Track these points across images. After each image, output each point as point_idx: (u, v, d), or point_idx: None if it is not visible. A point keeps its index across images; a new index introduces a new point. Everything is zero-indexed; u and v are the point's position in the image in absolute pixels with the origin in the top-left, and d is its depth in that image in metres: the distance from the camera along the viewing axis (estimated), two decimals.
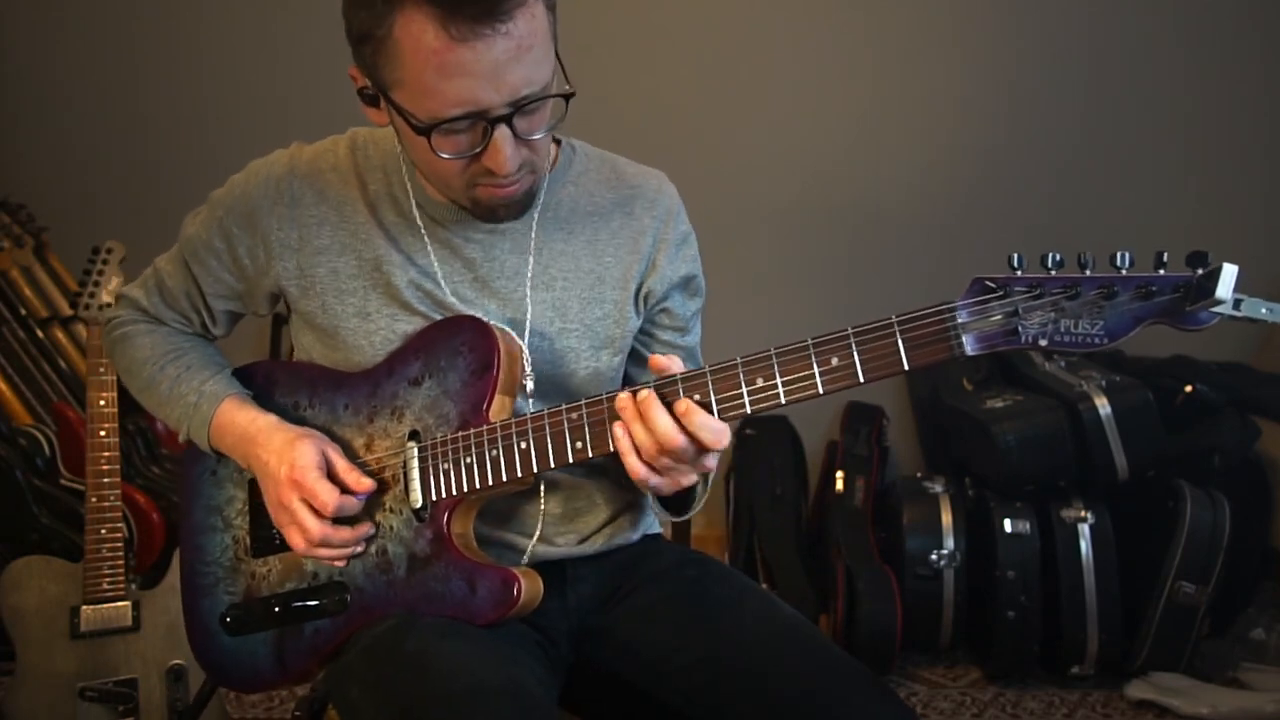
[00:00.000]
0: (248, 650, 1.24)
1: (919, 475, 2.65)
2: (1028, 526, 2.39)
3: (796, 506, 2.81)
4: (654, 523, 1.37)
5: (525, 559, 1.24)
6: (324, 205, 1.23)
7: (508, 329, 1.20)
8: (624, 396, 1.04)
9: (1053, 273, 0.91)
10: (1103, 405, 2.38)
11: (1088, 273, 0.90)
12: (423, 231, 1.22)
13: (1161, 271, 0.89)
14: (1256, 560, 2.54)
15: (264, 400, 1.27)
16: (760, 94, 3.06)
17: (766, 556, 2.68)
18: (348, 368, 1.23)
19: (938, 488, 2.56)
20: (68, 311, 2.76)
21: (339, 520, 1.16)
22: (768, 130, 3.07)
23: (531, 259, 1.24)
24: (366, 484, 1.15)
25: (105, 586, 1.87)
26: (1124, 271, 0.89)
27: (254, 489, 1.26)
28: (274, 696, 2.30)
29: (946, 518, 2.50)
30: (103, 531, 1.88)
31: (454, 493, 1.13)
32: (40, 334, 2.78)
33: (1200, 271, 0.87)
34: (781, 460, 2.86)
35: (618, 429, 1.04)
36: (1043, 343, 0.91)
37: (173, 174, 3.02)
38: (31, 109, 3.14)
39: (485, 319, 1.17)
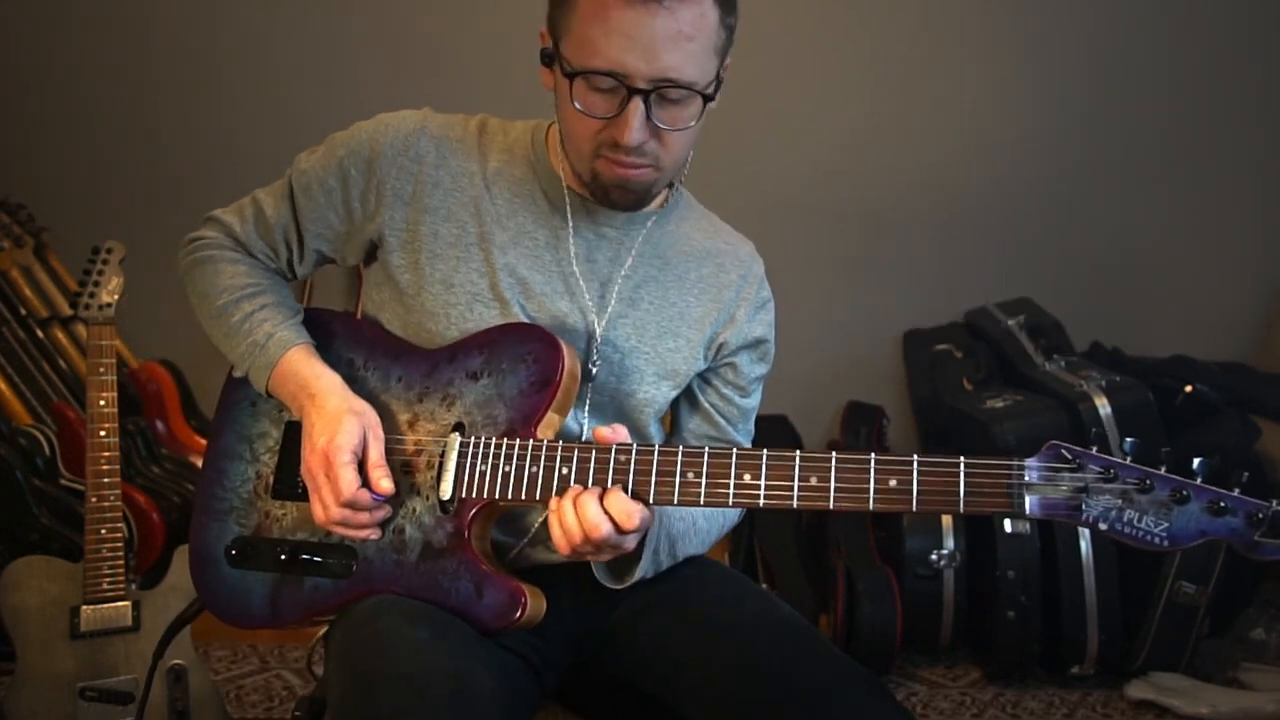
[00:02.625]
0: (244, 586, 1.23)
1: None
2: (1028, 526, 2.39)
3: None
4: None
5: (512, 555, 1.24)
6: (443, 170, 1.25)
7: (573, 345, 1.20)
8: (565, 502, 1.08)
9: (1129, 459, 0.91)
10: (1103, 405, 2.38)
11: (1164, 469, 0.91)
12: (539, 210, 1.25)
13: (1237, 491, 0.89)
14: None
15: (321, 349, 1.27)
16: (767, 94, 3.05)
17: (766, 556, 2.68)
18: (415, 334, 1.24)
19: None
20: (68, 311, 2.75)
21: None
22: (775, 130, 3.06)
23: (626, 269, 1.26)
24: (385, 487, 1.15)
25: (105, 586, 1.87)
26: (1200, 480, 0.90)
27: (289, 431, 1.26)
28: (274, 696, 2.30)
29: (946, 518, 2.50)
30: (103, 531, 1.87)
31: (484, 496, 1.13)
32: (40, 334, 2.78)
33: (1278, 504, 0.86)
34: None
35: (553, 503, 1.09)
36: (1102, 526, 0.91)
37: (173, 174, 3.02)
38: (31, 109, 3.14)
39: (558, 336, 1.17)
